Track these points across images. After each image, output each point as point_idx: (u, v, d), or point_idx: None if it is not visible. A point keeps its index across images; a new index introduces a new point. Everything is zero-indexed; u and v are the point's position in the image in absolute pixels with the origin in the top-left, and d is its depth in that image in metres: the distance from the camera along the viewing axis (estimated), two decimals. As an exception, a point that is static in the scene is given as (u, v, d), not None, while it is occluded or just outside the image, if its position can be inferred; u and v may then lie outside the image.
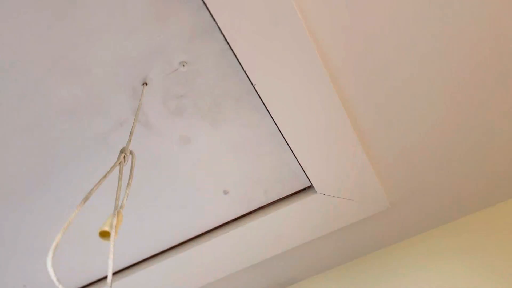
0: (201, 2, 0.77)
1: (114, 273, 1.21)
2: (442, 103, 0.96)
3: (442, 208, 1.23)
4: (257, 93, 0.88)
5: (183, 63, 0.83)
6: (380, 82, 0.92)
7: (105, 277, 1.23)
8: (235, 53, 0.81)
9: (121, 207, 0.49)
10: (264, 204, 1.12)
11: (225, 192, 1.09)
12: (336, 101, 0.91)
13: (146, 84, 0.85)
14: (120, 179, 0.53)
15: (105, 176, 0.50)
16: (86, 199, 0.46)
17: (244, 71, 0.84)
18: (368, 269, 1.34)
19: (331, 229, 1.17)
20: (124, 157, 0.57)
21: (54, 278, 0.35)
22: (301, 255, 1.31)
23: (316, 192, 1.07)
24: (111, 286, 0.37)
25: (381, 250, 1.37)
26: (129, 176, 0.56)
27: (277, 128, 0.96)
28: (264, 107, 0.91)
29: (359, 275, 1.34)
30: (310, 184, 1.08)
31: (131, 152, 0.60)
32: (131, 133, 0.67)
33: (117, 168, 0.56)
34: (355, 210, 1.13)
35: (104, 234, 0.48)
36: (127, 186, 0.53)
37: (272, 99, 0.88)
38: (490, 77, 0.94)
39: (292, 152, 0.99)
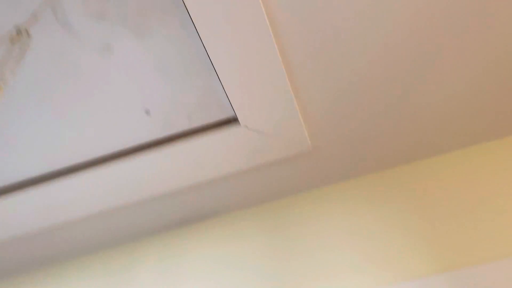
0: None
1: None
2: (378, 46, 0.97)
3: (365, 159, 1.26)
4: (185, 6, 0.84)
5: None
6: (316, 18, 0.90)
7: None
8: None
9: (4, 82, 0.46)
10: (186, 130, 1.11)
11: (147, 112, 1.06)
12: (267, 31, 0.89)
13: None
14: (9, 52, 0.49)
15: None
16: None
17: (173, -21, 0.80)
18: (287, 211, 1.37)
19: (252, 164, 1.18)
20: (17, 34, 0.53)
21: None
22: (223, 189, 1.32)
23: (240, 125, 1.07)
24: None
25: (301, 193, 1.41)
26: (19, 55, 0.52)
27: (204, 49, 0.93)
28: (192, 23, 0.88)
29: (278, 216, 1.38)
30: (235, 115, 1.07)
31: (27, 32, 0.56)
32: (34, 15, 0.62)
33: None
34: (277, 148, 1.14)
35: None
36: (16, 63, 0.49)
37: (200, 15, 0.84)
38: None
39: (219, 78, 0.97)
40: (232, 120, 1.08)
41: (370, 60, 0.99)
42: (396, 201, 1.25)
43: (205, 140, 1.10)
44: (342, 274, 1.14)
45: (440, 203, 1.20)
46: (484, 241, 1.06)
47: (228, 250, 1.34)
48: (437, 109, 1.13)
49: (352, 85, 1.04)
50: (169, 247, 1.43)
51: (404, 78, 1.04)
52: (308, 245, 1.27)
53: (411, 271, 1.07)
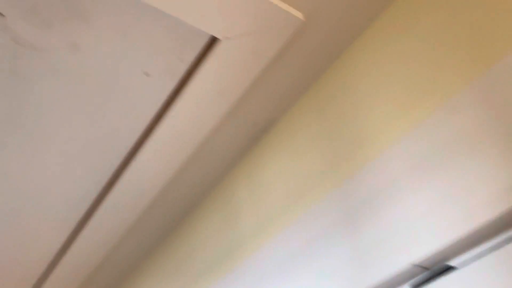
0: None
1: None
2: None
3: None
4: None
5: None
6: None
7: None
8: None
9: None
10: (187, 69, 1.17)
11: (147, 74, 1.14)
12: None
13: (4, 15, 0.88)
14: None
15: None
16: None
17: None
18: (330, 85, 1.37)
19: (262, 66, 1.20)
20: None
21: None
22: (262, 96, 1.36)
23: (221, 40, 1.09)
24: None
25: (336, 62, 1.37)
26: None
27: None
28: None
29: (324, 96, 1.38)
30: (211, 35, 1.09)
31: None
32: None
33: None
34: (271, 38, 1.14)
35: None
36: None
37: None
38: None
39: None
40: (213, 41, 1.11)
41: None
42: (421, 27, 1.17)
43: (206, 68, 1.15)
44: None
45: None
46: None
47: (294, 151, 1.41)
48: None
49: None
50: (254, 167, 1.54)
51: None
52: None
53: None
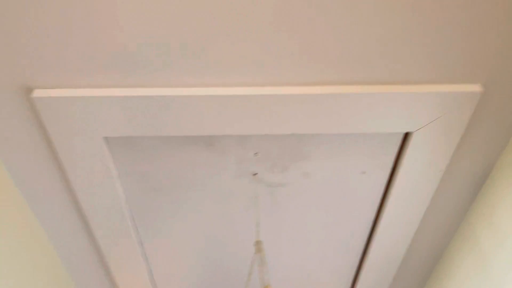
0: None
1: None
2: None
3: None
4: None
5: (257, 154, 1.25)
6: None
7: None
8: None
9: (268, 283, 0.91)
10: (393, 159, 1.37)
11: (363, 173, 1.40)
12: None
13: (256, 173, 1.30)
14: (260, 263, 0.95)
15: (250, 274, 0.94)
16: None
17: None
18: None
19: (458, 135, 1.30)
20: (257, 248, 1.00)
21: None
22: (472, 148, 1.44)
23: (412, 131, 1.26)
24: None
25: None
26: (264, 258, 0.98)
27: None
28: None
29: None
30: (403, 132, 1.28)
31: (259, 242, 1.03)
32: (257, 224, 1.10)
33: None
34: (457, 115, 1.24)
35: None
36: (266, 265, 0.95)
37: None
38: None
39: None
40: (405, 137, 1.30)
41: None
42: None
43: (408, 155, 1.34)
44: None
45: None
46: None
47: None
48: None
49: None
50: (488, 210, 1.59)
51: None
52: None
53: None
